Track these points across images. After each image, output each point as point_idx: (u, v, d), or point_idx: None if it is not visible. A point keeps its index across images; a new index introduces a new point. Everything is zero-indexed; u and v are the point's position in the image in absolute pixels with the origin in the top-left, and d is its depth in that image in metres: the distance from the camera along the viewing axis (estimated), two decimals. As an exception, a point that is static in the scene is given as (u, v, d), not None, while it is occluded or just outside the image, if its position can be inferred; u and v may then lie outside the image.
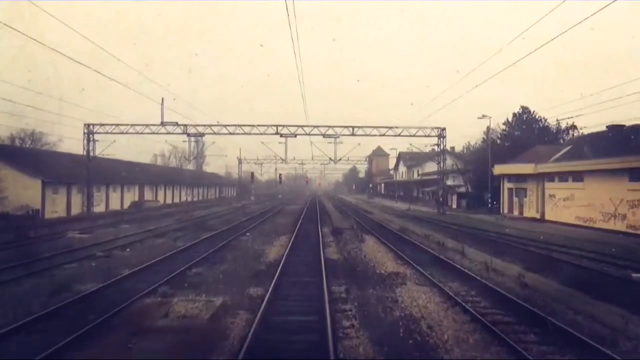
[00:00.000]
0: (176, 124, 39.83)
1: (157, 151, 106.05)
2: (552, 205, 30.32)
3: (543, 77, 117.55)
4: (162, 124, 39.59)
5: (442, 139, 41.84)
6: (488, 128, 47.49)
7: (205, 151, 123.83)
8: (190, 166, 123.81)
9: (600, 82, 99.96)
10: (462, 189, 55.78)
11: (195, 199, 76.07)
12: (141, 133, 40.12)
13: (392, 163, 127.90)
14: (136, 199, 51.31)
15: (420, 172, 79.04)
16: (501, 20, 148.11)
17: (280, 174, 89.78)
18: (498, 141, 54.41)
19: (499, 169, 36.49)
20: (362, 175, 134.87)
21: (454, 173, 59.51)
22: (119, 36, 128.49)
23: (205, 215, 38.17)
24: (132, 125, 40.00)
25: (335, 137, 40.46)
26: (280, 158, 41.16)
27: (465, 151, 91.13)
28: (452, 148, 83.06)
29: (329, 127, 40.36)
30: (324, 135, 40.39)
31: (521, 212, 34.79)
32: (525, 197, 33.95)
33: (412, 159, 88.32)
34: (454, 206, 53.41)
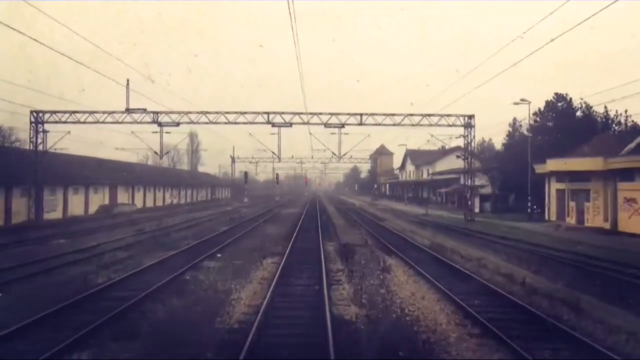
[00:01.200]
0: (144, 110, 32.52)
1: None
2: (630, 213, 22.89)
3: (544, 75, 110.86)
4: (127, 110, 32.29)
5: (469, 128, 34.45)
6: (529, 115, 39.91)
7: (200, 150, 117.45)
8: (185, 166, 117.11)
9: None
10: (484, 190, 48.36)
11: (183, 201, 68.79)
12: (102, 122, 32.79)
13: (396, 162, 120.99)
14: (106, 202, 44.01)
15: (430, 172, 71.74)
16: (501, 20, 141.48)
17: (277, 174, 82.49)
18: (526, 134, 47.09)
19: (551, 165, 28.96)
20: (363, 175, 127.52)
21: (478, 172, 52.23)
22: (118, 36, 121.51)
23: (179, 224, 30.83)
24: (91, 112, 32.65)
25: (340, 127, 33.11)
26: (273, 153, 33.92)
27: (479, 148, 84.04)
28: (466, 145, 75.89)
29: (332, 114, 33.04)
30: (326, 125, 33.06)
31: (580, 221, 27.38)
32: (588, 201, 26.55)
33: (421, 157, 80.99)
34: (476, 209, 45.98)
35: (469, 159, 36.13)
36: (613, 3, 14.30)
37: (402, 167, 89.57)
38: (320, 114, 33.15)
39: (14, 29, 33.30)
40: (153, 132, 33.31)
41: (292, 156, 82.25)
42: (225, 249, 18.67)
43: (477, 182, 52.32)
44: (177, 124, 32.94)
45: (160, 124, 32.92)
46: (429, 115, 33.42)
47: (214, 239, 22.07)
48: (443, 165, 70.42)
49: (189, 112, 32.96)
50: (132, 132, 33.89)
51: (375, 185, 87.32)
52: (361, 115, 33.04)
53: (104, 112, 32.54)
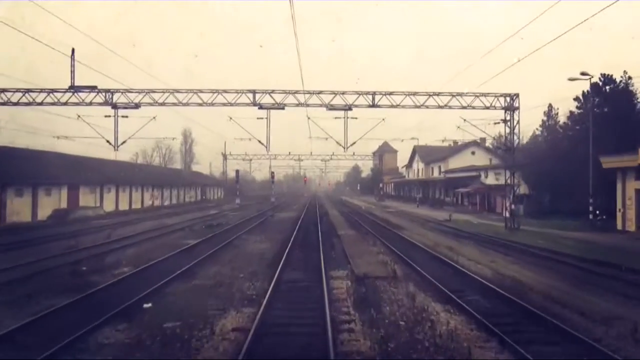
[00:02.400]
0: (93, 89, 25.15)
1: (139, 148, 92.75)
2: None
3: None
4: (72, 88, 24.92)
5: (512, 111, 26.95)
6: (589, 89, 32.33)
7: (194, 148, 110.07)
8: (178, 165, 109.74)
9: None
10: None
11: (168, 202, 61.41)
12: (40, 104, 25.38)
13: (400, 160, 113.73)
14: (64, 205, 36.61)
15: (443, 169, 64.41)
16: (502, 21, 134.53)
17: (272, 172, 75.07)
18: (566, 125, 39.79)
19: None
20: (365, 174, 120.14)
21: (501, 168, 44.81)
22: (118, 36, 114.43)
23: (133, 236, 23.37)
24: (27, 91, 25.25)
25: (346, 110, 25.75)
26: (260, 142, 26.46)
27: (494, 144, 76.55)
28: (483, 140, 68.44)
29: (336, 93, 25.70)
30: (329, 107, 25.70)
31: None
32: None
33: (431, 153, 73.62)
34: (506, 214, 38.53)
35: (512, 150, 28.43)
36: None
37: (409, 165, 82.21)
38: (321, 92, 25.78)
39: None
40: (105, 117, 25.86)
41: (290, 153, 75.23)
42: (163, 298, 11.22)
43: (501, 181, 44.99)
44: (137, 106, 25.53)
45: (115, 106, 25.51)
46: (461, 94, 26.06)
47: (162, 265, 14.69)
48: (457, 162, 63.08)
49: (152, 91, 25.58)
50: (79, 116, 26.38)
51: (381, 185, 79.89)
52: (374, 94, 25.68)
53: (41, 91, 25.13)
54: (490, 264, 15.31)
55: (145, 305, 9.89)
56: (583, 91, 36.48)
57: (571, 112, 38.63)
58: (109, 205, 43.83)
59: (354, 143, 26.90)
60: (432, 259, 16.38)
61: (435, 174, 68.63)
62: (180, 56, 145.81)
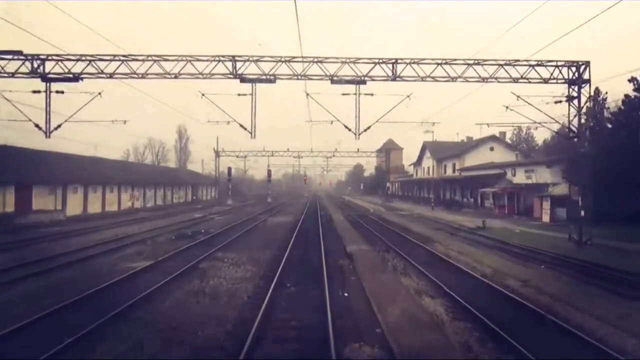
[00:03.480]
0: (18, 55, 18.58)
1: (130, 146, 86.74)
2: None
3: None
4: (-13, 53, 18.33)
5: (579, 86, 20.10)
6: None
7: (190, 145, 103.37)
8: (172, 164, 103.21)
9: None
10: (557, 190, 34.27)
11: (151, 204, 54.92)
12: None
13: (406, 158, 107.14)
14: (10, 209, 30.07)
15: (458, 167, 57.80)
16: (502, 20, 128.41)
17: (269, 170, 68.44)
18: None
19: None
20: (367, 173, 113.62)
21: (536, 165, 38.16)
22: (118, 36, 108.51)
23: (66, 254, 16.80)
24: None
25: (359, 83, 19.14)
26: (241, 126, 19.67)
27: (515, 139, 69.84)
28: (503, 134, 61.77)
29: (345, 61, 19.07)
30: (334, 80, 19.07)
31: None
32: None
33: (443, 150, 66.97)
34: (545, 218, 31.96)
35: (580, 137, 21.60)
36: None
37: (418, 162, 75.50)
38: (324, 60, 19.16)
39: None
40: (33, 92, 19.17)
41: (288, 149, 68.69)
42: None
43: (534, 180, 38.37)
44: (76, 77, 18.90)
45: (46, 77, 18.89)
46: (511, 63, 19.43)
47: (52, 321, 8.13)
48: (474, 159, 56.42)
49: (98, 58, 18.96)
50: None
51: (388, 184, 73.26)
52: (395, 62, 19.06)
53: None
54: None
55: None
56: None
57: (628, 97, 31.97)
58: (74, 209, 37.24)
59: (369, 128, 20.07)
60: (521, 311, 9.74)
61: (449, 172, 62.03)
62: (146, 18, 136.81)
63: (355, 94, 19.21)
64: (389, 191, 70.38)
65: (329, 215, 38.81)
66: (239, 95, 19.15)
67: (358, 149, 68.24)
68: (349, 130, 19.78)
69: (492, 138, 57.15)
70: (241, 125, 20.00)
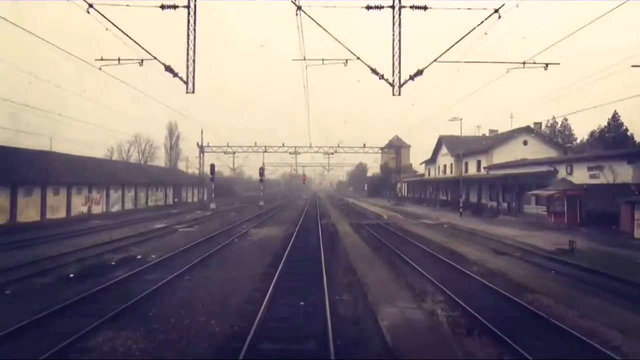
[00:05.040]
0: None
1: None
2: None
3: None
4: None
5: None
6: None
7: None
8: (161, 162, 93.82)
9: None
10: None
11: (117, 208, 45.65)
12: None
13: (414, 157, 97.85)
14: None
15: (485, 164, 48.48)
16: (502, 19, 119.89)
17: (261, 168, 58.94)
18: None
19: None
20: (370, 173, 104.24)
21: (605, 160, 28.88)
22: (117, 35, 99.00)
23: None
24: None
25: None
26: (167, 69, 10.92)
27: (548, 131, 60.31)
28: (539, 124, 52.42)
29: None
30: None
31: None
32: None
33: (463, 144, 57.68)
34: (636, 235, 22.58)
35: None
36: None
37: (432, 159, 66.09)
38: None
39: None
40: None
41: (283, 144, 59.36)
42: None
43: (604, 179, 28.94)
44: None
45: None
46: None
47: None
48: (504, 154, 47.11)
49: None
50: None
51: (399, 185, 63.88)
52: None
53: None
54: None
55: None
56: None
57: None
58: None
59: (420, 73, 10.52)
60: None
61: (471, 170, 52.69)
62: None
63: (391, 6, 9.76)
64: (399, 194, 60.94)
65: (332, 225, 29.47)
66: (163, 8, 9.70)
67: (364, 144, 59.04)
68: (380, 77, 10.31)
69: (527, 130, 47.88)
70: (167, 68, 10.55)
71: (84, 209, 39.53)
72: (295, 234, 24.02)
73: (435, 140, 62.95)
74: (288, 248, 18.27)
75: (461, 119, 42.63)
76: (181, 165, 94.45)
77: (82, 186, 39.39)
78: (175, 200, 63.87)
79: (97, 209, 41.88)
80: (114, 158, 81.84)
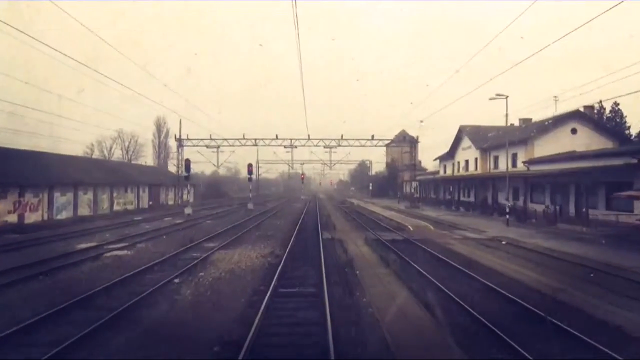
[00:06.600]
0: None
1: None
2: None
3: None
4: None
5: None
6: None
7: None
8: (148, 160, 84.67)
9: None
10: None
11: (68, 214, 36.40)
12: None
13: (423, 155, 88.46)
14: None
15: (524, 158, 39.05)
16: (502, 20, 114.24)
17: (250, 165, 49.42)
18: None
19: None
20: (373, 171, 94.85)
21: None
22: (117, 35, 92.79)
23: None
24: None
25: None
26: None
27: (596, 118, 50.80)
28: (590, 108, 42.97)
29: None
30: None
31: None
32: None
33: (490, 136, 48.32)
34: None
35: None
36: None
37: (450, 155, 56.72)
38: None
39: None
40: None
41: (277, 136, 50.04)
42: None
43: None
44: None
45: None
46: None
47: None
48: (547, 146, 37.75)
49: None
50: None
51: (414, 186, 54.41)
52: None
53: None
54: None
55: None
56: None
57: None
58: None
59: None
60: None
61: (502, 166, 43.08)
62: None
63: None
64: (416, 194, 51.41)
65: (339, 244, 20.05)
66: None
67: (373, 136, 49.70)
68: None
69: (576, 115, 38.48)
70: None
71: (12, 218, 30.17)
72: (282, 263, 14.74)
73: (446, 135, 53.81)
74: (261, 308, 8.97)
75: (507, 97, 32.63)
76: (172, 164, 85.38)
77: (8, 187, 30.06)
78: (150, 203, 54.48)
79: (34, 216, 32.55)
80: (94, 156, 72.80)
